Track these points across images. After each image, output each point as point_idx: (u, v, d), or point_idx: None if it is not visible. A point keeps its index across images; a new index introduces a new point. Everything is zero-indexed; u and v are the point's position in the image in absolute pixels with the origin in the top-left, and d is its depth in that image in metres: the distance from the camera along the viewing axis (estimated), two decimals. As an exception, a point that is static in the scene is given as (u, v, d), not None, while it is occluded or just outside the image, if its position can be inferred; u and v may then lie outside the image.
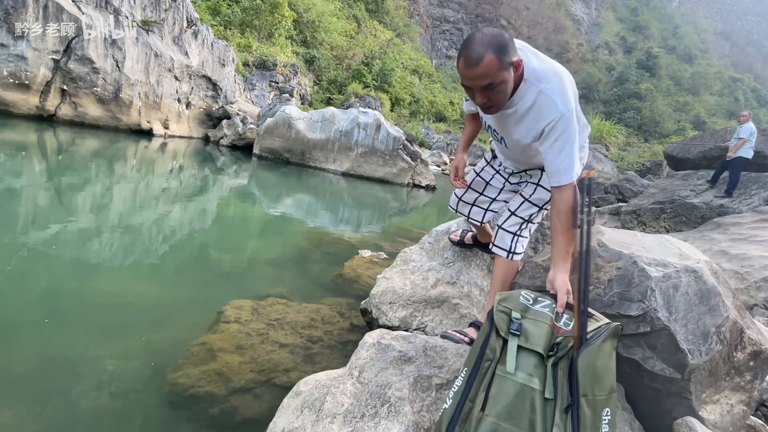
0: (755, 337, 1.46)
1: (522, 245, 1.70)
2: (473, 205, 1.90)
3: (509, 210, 1.71)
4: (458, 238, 2.39)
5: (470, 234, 2.32)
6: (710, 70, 47.77)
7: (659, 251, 1.54)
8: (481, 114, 1.55)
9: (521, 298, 1.28)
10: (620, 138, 21.74)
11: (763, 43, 67.76)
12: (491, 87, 1.25)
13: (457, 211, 1.97)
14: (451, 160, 23.17)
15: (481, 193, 1.87)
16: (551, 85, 1.31)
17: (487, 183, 1.85)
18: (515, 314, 1.22)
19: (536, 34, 39.09)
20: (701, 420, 1.33)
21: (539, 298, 1.30)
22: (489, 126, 1.57)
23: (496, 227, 1.74)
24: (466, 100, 1.72)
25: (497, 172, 1.84)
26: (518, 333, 1.18)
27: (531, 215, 1.68)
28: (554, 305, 1.27)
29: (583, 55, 40.69)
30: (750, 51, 64.60)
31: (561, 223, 1.36)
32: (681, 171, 8.99)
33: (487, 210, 1.90)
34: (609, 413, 1.07)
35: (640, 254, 1.48)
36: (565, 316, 1.24)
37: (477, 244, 2.28)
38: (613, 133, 21.25)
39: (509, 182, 1.82)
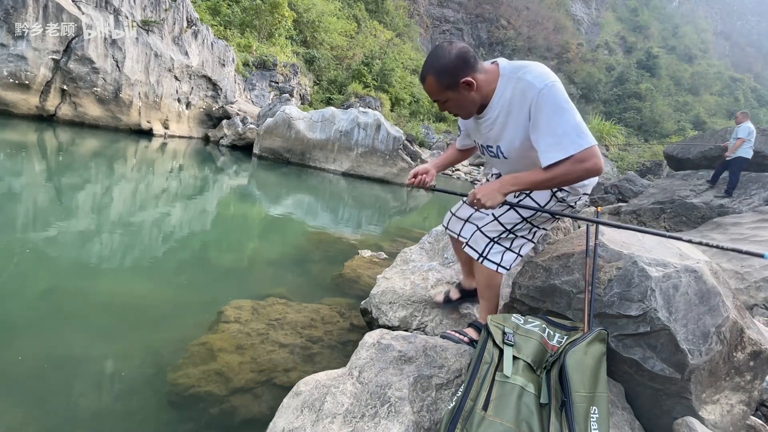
0: (755, 337, 1.46)
1: (505, 257, 1.56)
2: (464, 220, 1.82)
3: (492, 215, 1.58)
4: (443, 297, 2.10)
5: (453, 287, 2.09)
6: (710, 70, 47.75)
7: (659, 251, 1.54)
8: (475, 137, 1.57)
9: (513, 318, 1.42)
10: (620, 138, 21.71)
11: (763, 43, 67.73)
12: (440, 102, 1.39)
13: (447, 228, 1.88)
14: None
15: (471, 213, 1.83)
16: (527, 69, 1.31)
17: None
18: (508, 329, 1.35)
19: (536, 34, 39.02)
20: (701, 420, 1.33)
21: (529, 319, 1.44)
22: (484, 147, 1.53)
23: (475, 227, 1.61)
24: (458, 136, 1.79)
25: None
26: (512, 343, 1.29)
27: (514, 226, 1.54)
28: (543, 325, 1.40)
29: (583, 55, 40.60)
30: (750, 51, 64.56)
31: (556, 181, 1.29)
32: (681, 171, 8.98)
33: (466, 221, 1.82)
34: (596, 411, 1.12)
35: (640, 254, 1.49)
36: (557, 335, 1.38)
37: (464, 294, 2.02)
38: (613, 133, 21.21)
39: None
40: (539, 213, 1.53)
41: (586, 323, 1.38)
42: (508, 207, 1.55)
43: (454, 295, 2.04)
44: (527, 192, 1.51)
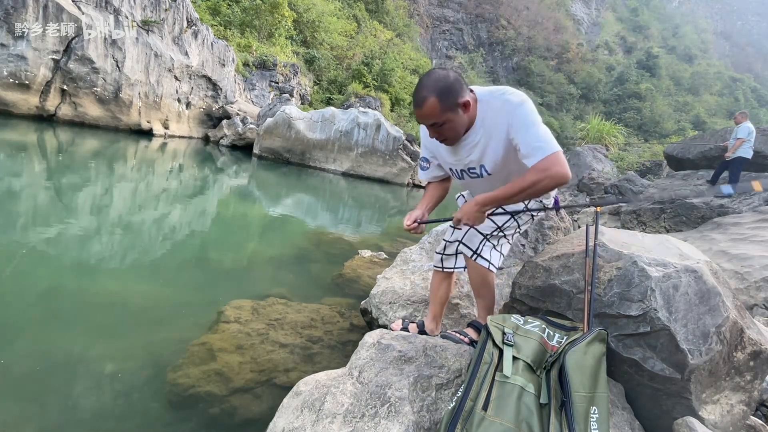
0: (755, 337, 1.46)
1: (492, 254, 1.64)
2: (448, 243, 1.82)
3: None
4: (401, 326, 1.95)
5: (415, 324, 1.96)
6: (710, 70, 47.71)
7: (659, 251, 1.54)
8: (450, 163, 1.63)
9: (513, 318, 1.42)
10: (620, 138, 21.69)
11: (763, 43, 67.72)
12: (437, 125, 1.42)
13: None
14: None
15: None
16: (503, 90, 1.44)
17: (451, 236, 1.82)
18: (507, 330, 1.35)
19: (536, 34, 39.00)
20: (701, 420, 1.33)
21: (529, 320, 1.44)
22: (465, 170, 1.60)
23: (468, 226, 1.61)
24: (423, 170, 1.80)
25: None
26: (512, 344, 1.30)
27: (504, 223, 1.64)
28: (543, 325, 1.40)
29: (583, 55, 40.54)
30: (750, 51, 64.56)
31: (529, 192, 1.37)
32: (681, 171, 8.98)
33: (443, 252, 1.83)
34: (596, 411, 1.12)
35: (640, 254, 1.49)
36: (557, 335, 1.38)
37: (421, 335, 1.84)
38: (613, 133, 21.19)
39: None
40: (524, 212, 1.65)
41: (586, 323, 1.38)
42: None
43: (413, 330, 1.90)
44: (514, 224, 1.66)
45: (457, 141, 1.50)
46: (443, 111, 1.38)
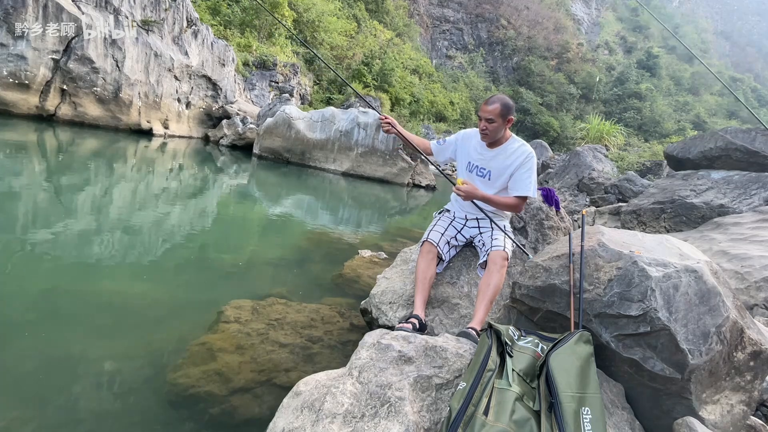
0: (755, 337, 1.46)
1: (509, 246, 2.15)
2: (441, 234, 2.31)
3: (495, 225, 2.23)
4: (409, 325, 1.90)
5: (414, 319, 1.95)
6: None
7: (659, 251, 1.54)
8: (470, 158, 2.29)
9: (510, 330, 1.45)
10: (620, 138, 21.65)
11: (763, 43, 67.67)
12: (490, 121, 2.11)
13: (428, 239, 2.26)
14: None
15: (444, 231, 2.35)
16: (527, 145, 2.22)
17: (446, 228, 2.35)
18: (508, 341, 1.40)
19: (536, 33, 38.93)
20: (701, 420, 1.33)
21: (524, 335, 1.47)
22: (476, 167, 2.27)
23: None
24: (438, 143, 2.45)
25: (450, 224, 2.37)
26: (512, 355, 1.34)
27: (505, 226, 2.27)
28: (537, 340, 1.43)
29: (583, 55, 40.45)
30: (750, 51, 64.51)
31: (504, 207, 2.19)
32: (681, 171, 8.97)
33: (443, 234, 2.29)
34: (589, 412, 1.13)
35: (641, 254, 1.48)
36: (541, 345, 1.42)
37: (422, 327, 1.93)
38: (613, 133, 21.15)
39: (461, 228, 2.36)
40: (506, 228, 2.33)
41: (573, 329, 1.40)
42: (496, 229, 2.22)
43: (416, 324, 1.91)
44: (500, 228, 2.22)
45: (491, 140, 2.17)
46: (499, 115, 2.08)
